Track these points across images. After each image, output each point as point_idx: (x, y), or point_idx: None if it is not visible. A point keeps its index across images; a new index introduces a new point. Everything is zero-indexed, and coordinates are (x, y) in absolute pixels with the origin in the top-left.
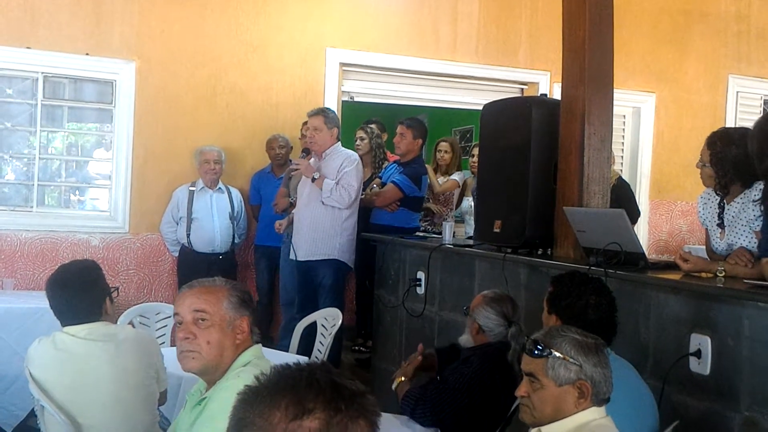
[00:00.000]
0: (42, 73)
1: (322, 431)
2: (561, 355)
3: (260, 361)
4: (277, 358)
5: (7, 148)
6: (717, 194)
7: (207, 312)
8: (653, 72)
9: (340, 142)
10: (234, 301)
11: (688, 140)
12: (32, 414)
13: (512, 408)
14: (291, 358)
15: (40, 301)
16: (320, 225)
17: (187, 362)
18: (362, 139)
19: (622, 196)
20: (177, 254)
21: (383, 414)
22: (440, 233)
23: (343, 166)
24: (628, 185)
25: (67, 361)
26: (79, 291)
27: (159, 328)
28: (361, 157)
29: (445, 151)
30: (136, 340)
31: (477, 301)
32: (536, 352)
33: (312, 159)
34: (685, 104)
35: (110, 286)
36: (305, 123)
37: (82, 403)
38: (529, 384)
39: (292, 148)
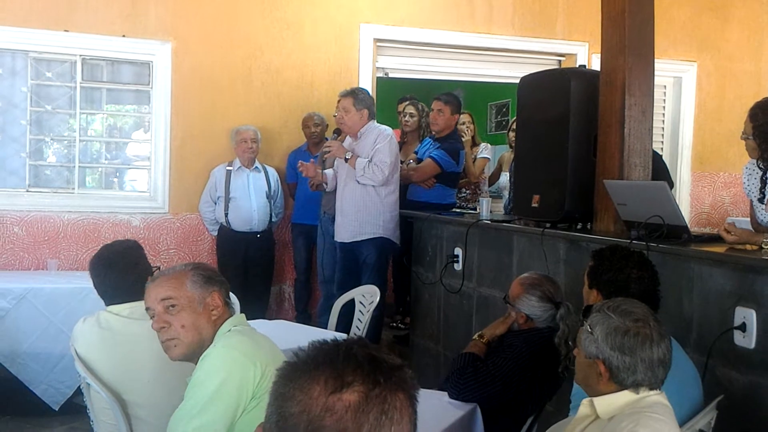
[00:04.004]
0: (80, 55)
1: (361, 404)
2: (589, 330)
3: (239, 327)
4: (316, 336)
5: (48, 131)
6: (759, 168)
7: (173, 297)
8: (694, 40)
9: (374, 120)
10: (198, 280)
11: (731, 110)
12: (78, 391)
13: (545, 400)
14: (329, 335)
15: (84, 281)
16: (362, 204)
17: (171, 351)
18: (412, 116)
19: (656, 168)
20: (216, 234)
21: (422, 389)
22: (477, 209)
23: (376, 143)
24: (660, 156)
25: (111, 339)
26: (122, 271)
27: None
28: (408, 133)
29: (470, 122)
30: None
31: (516, 290)
32: (581, 318)
33: (349, 139)
34: (728, 73)
35: (152, 265)
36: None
37: (127, 381)
38: (578, 348)
39: (327, 125)
